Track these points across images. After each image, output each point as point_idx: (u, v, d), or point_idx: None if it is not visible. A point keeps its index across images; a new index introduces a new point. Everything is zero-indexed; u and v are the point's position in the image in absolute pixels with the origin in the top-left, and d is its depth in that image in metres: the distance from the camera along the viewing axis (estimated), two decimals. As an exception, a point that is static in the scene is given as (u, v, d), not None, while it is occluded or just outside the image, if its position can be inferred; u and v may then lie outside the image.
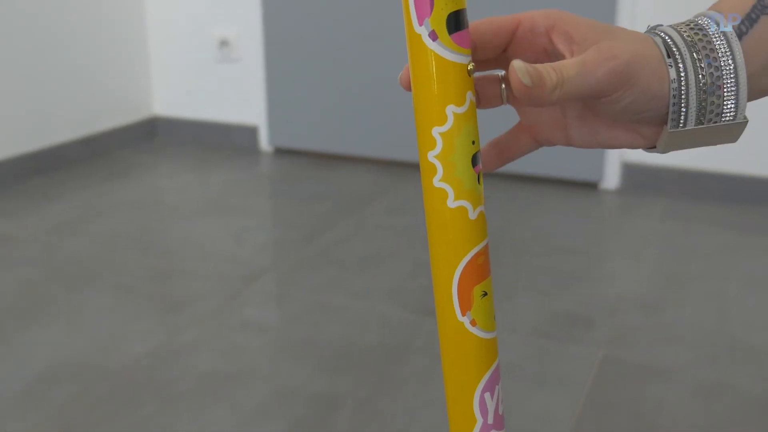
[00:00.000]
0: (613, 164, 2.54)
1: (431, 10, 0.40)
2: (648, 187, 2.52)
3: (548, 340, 1.62)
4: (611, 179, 2.56)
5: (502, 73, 0.47)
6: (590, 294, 1.84)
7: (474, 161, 0.43)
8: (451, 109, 0.42)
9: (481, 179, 0.44)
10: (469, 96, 0.42)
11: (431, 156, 0.43)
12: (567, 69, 0.40)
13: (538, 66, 0.40)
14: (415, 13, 0.41)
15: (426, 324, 1.68)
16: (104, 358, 1.55)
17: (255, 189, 2.68)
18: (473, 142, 0.43)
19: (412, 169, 2.74)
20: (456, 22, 0.41)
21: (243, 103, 3.05)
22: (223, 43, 3.01)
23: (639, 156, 2.52)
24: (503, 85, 0.46)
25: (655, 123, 0.44)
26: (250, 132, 3.06)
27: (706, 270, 1.96)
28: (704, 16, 0.43)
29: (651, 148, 0.46)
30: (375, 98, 2.81)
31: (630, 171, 2.54)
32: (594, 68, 0.40)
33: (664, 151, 0.45)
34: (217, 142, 3.11)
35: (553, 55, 0.44)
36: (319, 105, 2.91)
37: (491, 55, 0.45)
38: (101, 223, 2.27)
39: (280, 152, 3.02)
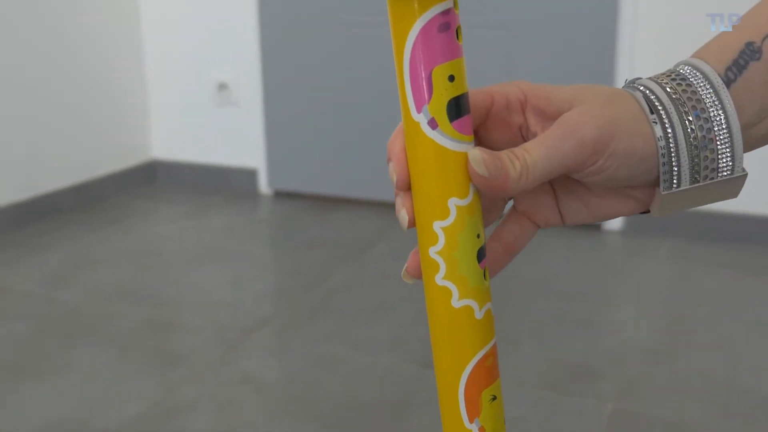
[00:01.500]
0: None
1: (430, 97, 0.37)
2: (651, 227, 2.49)
3: (555, 393, 1.57)
4: (614, 220, 2.53)
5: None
6: (597, 342, 1.80)
7: (479, 256, 0.40)
8: (453, 202, 0.38)
9: (488, 275, 0.41)
10: (473, 187, 0.39)
11: (433, 252, 0.40)
12: (530, 154, 0.37)
13: (499, 153, 0.37)
14: (412, 99, 0.38)
15: (429, 377, 1.64)
16: (98, 418, 1.51)
17: (254, 234, 2.65)
18: (478, 236, 0.40)
19: (412, 211, 2.71)
20: (457, 108, 0.38)
21: (242, 146, 3.03)
22: (222, 87, 3.00)
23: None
24: None
25: (648, 185, 0.40)
26: (250, 175, 3.04)
27: (714, 315, 1.92)
28: (686, 65, 0.40)
29: (645, 211, 0.42)
30: (374, 140, 2.79)
31: (633, 211, 2.51)
32: (559, 145, 0.37)
33: (659, 215, 0.41)
34: (216, 185, 3.09)
35: (528, 135, 0.41)
36: (318, 147, 2.89)
37: None
38: (97, 273, 2.24)
39: (280, 195, 2.99)
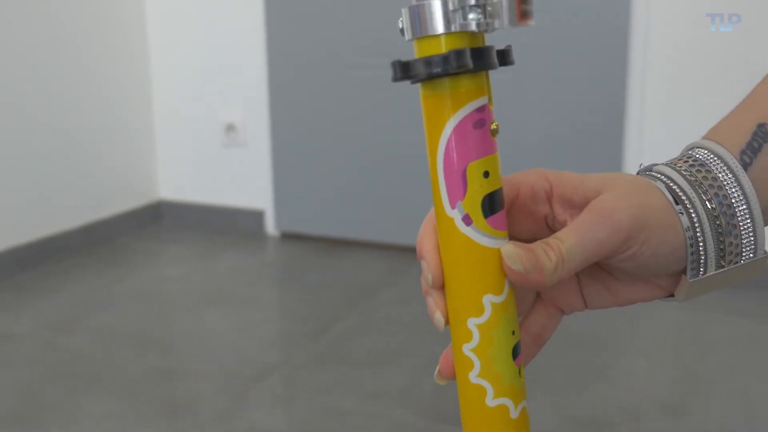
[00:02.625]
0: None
1: (465, 193, 0.37)
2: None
3: (570, 448, 1.54)
4: (625, 265, 2.50)
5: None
6: (610, 394, 1.76)
7: (514, 353, 0.39)
8: (488, 299, 0.38)
9: (522, 371, 0.40)
10: (508, 283, 0.38)
11: (467, 349, 0.39)
12: (564, 243, 0.37)
13: (533, 246, 0.37)
14: (446, 194, 0.37)
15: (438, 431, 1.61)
16: (103, 472, 1.48)
17: (261, 277, 2.63)
18: (513, 332, 0.39)
19: (420, 254, 2.69)
20: (491, 204, 0.37)
21: (249, 187, 3.03)
22: (230, 128, 3.00)
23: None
24: None
25: (673, 272, 0.40)
26: (257, 216, 3.03)
27: (729, 365, 1.88)
28: (701, 148, 0.40)
29: (669, 296, 0.42)
30: (383, 182, 2.78)
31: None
32: (593, 231, 0.37)
33: (684, 300, 0.41)
34: (222, 226, 3.08)
35: (555, 223, 0.41)
36: (326, 189, 2.88)
37: None
38: (102, 318, 2.21)
39: (287, 237, 2.98)
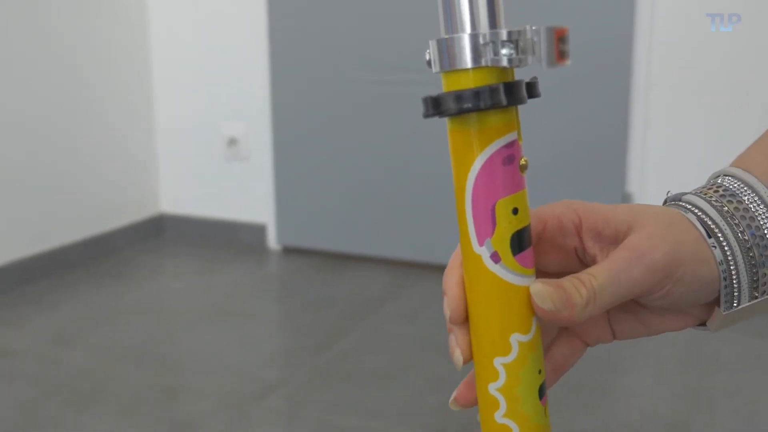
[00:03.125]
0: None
1: (494, 230, 0.36)
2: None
3: (574, 468, 1.53)
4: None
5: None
6: (613, 412, 1.75)
7: (540, 393, 0.39)
8: (515, 338, 0.37)
9: (548, 411, 0.40)
10: (535, 321, 0.38)
11: (493, 389, 0.38)
12: (597, 278, 0.36)
13: (563, 283, 0.36)
14: (474, 232, 0.37)
15: (444, 449, 1.59)
16: (104, 492, 1.47)
17: (262, 292, 2.62)
18: (539, 372, 0.39)
19: (424, 270, 2.68)
20: (520, 241, 0.37)
21: (251, 201, 3.02)
22: (232, 142, 2.99)
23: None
24: None
25: (706, 303, 0.40)
26: (258, 230, 3.02)
27: (734, 383, 1.87)
28: (730, 177, 0.40)
29: (701, 325, 0.42)
30: (386, 197, 2.77)
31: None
32: (627, 269, 0.36)
33: (717, 330, 0.41)
34: (224, 240, 3.07)
35: (584, 256, 0.40)
36: (328, 203, 2.88)
37: None
38: (103, 334, 2.20)
39: (289, 251, 2.97)
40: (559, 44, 0.32)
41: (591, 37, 2.38)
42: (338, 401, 1.80)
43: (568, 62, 0.33)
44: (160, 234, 3.16)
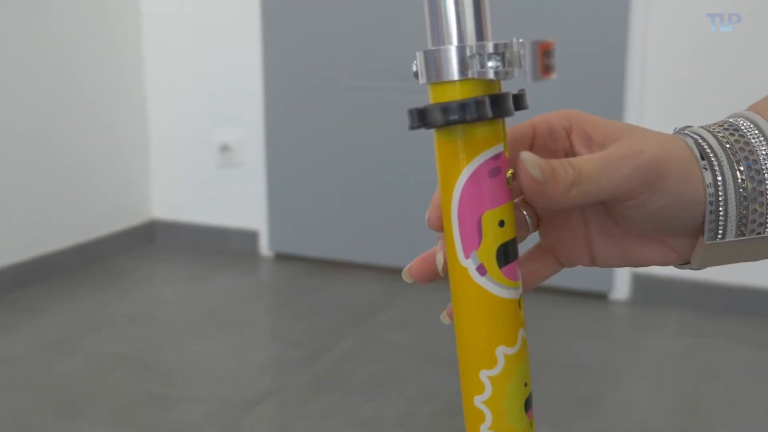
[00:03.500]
0: (623, 275, 2.48)
1: (479, 242, 0.36)
2: (659, 298, 2.46)
3: (569, 479, 1.52)
4: (621, 290, 2.49)
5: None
6: (609, 424, 1.75)
7: (526, 406, 0.39)
8: (501, 351, 0.37)
9: (534, 424, 0.39)
10: (521, 334, 0.38)
11: (478, 401, 0.38)
12: (585, 164, 0.36)
13: (552, 161, 0.35)
14: (460, 244, 0.36)
15: (438, 459, 1.59)
16: (95, 501, 1.45)
17: (255, 299, 2.61)
18: (525, 384, 0.38)
19: (416, 277, 2.67)
20: (506, 254, 0.37)
21: (244, 207, 3.01)
22: (225, 148, 2.98)
23: (649, 267, 2.46)
24: (524, 212, 0.41)
25: (689, 234, 0.39)
26: (251, 237, 3.01)
27: (729, 394, 1.87)
28: (740, 117, 0.39)
29: (684, 264, 0.41)
30: (379, 203, 2.77)
31: (640, 282, 2.48)
32: (617, 165, 0.36)
33: (699, 267, 0.40)
34: (216, 246, 3.06)
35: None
36: (321, 210, 2.87)
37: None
38: (95, 341, 2.19)
39: (281, 258, 2.96)
40: (544, 58, 0.32)
41: (585, 40, 2.39)
42: (331, 409, 1.79)
43: (554, 76, 0.33)
44: (153, 240, 3.15)
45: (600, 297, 2.51)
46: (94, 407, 1.81)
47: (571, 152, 0.40)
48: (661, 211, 0.37)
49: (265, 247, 2.98)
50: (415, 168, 2.66)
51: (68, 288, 2.60)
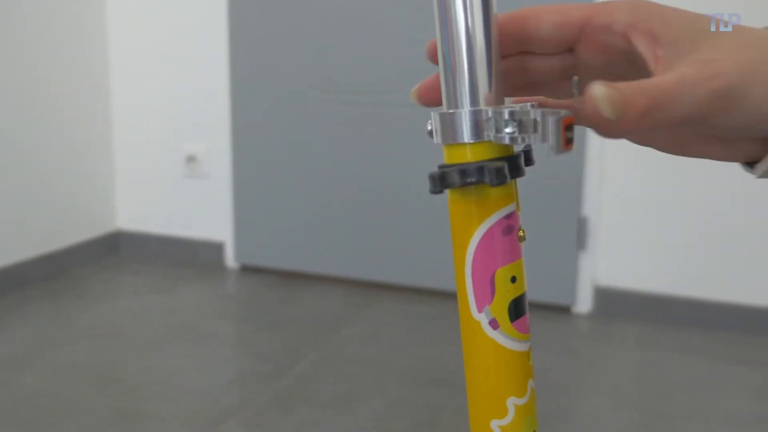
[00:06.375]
0: (585, 288, 2.52)
1: (492, 298, 0.38)
2: (620, 311, 2.50)
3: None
4: (584, 303, 2.53)
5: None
6: (572, 437, 1.78)
7: None
8: (512, 401, 0.39)
9: None
10: (530, 384, 0.39)
11: None
12: (662, 91, 0.31)
13: (624, 89, 0.31)
14: (474, 299, 0.38)
15: (405, 475, 1.60)
16: None
17: (220, 312, 2.60)
18: None
19: (384, 290, 2.69)
20: (517, 308, 0.38)
21: (210, 218, 3.00)
22: (191, 159, 2.97)
23: (610, 280, 2.51)
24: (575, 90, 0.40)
25: (763, 140, 0.37)
26: (216, 248, 3.00)
27: (689, 408, 1.91)
28: None
29: (747, 165, 0.38)
30: (345, 216, 2.78)
31: (602, 295, 2.52)
32: (693, 90, 0.32)
33: (761, 176, 0.37)
34: (182, 258, 3.04)
35: (632, 59, 0.36)
36: (287, 222, 2.87)
37: (552, 50, 0.38)
38: (59, 355, 2.17)
39: (247, 270, 2.95)
40: (566, 132, 0.33)
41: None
42: (298, 426, 1.80)
43: (573, 147, 0.33)
44: (117, 251, 3.12)
45: (563, 310, 2.55)
46: (58, 423, 1.79)
47: (629, 50, 0.36)
48: (734, 128, 0.34)
49: (231, 259, 2.98)
50: (382, 181, 2.68)
51: (30, 301, 2.57)
